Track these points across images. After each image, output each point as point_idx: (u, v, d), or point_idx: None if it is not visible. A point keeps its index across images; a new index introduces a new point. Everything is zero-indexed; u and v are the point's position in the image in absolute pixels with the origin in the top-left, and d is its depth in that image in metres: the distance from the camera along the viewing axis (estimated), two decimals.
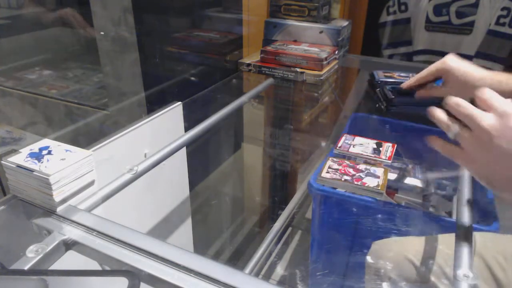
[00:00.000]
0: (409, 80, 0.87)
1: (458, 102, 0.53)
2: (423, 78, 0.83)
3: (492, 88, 0.55)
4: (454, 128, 0.54)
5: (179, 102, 0.96)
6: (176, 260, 0.46)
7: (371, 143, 0.93)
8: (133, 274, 0.43)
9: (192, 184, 1.10)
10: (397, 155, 0.89)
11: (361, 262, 0.78)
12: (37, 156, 0.57)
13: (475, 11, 1.59)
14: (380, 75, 1.20)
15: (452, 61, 0.76)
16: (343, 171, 0.85)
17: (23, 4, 0.89)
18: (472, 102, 0.54)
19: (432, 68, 0.80)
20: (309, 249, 0.95)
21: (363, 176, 0.83)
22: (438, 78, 0.80)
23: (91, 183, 0.60)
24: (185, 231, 1.13)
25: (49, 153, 0.58)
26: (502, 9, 1.55)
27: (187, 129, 0.94)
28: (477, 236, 0.70)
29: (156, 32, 0.96)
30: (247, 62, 1.22)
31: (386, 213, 0.79)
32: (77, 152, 0.58)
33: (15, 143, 0.83)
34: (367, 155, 0.89)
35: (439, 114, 0.56)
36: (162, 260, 0.46)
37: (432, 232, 0.74)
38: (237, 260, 1.52)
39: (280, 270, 1.22)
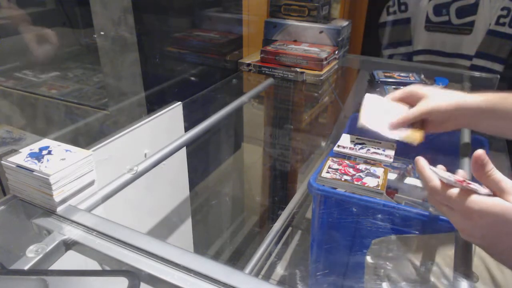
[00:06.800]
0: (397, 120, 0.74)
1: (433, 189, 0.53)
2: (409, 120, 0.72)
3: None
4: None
5: (179, 102, 0.96)
6: (176, 260, 0.46)
7: (371, 143, 0.93)
8: (133, 274, 0.43)
9: (192, 184, 1.10)
10: (397, 155, 0.89)
11: (361, 262, 0.78)
12: (37, 156, 0.57)
13: (475, 11, 1.59)
14: (380, 75, 1.20)
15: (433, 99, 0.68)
16: (343, 171, 0.85)
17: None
18: None
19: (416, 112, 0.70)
20: (309, 249, 0.95)
21: (363, 176, 0.83)
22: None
23: (91, 183, 0.60)
24: (185, 231, 1.13)
25: (49, 153, 0.58)
26: (502, 9, 1.55)
27: (187, 129, 0.94)
28: None
29: (156, 32, 0.96)
30: (247, 62, 1.22)
31: (386, 213, 0.79)
32: (77, 152, 0.58)
33: (15, 143, 0.83)
34: (367, 155, 0.89)
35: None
36: (162, 260, 0.46)
37: (432, 232, 0.74)
38: (237, 260, 1.52)
39: (280, 270, 1.22)
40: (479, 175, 0.49)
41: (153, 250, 0.47)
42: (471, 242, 0.52)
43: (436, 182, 0.52)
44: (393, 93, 0.75)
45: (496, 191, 0.48)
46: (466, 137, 0.85)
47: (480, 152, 0.48)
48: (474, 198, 0.48)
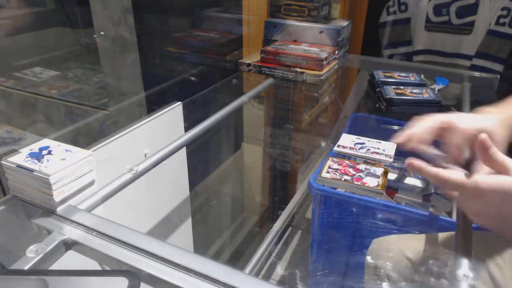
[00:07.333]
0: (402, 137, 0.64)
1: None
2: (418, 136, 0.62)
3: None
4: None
5: (179, 102, 0.96)
6: (176, 260, 0.46)
7: (371, 143, 0.93)
8: (133, 274, 0.43)
9: (192, 184, 1.10)
10: (397, 155, 0.89)
11: (361, 262, 0.78)
12: (37, 156, 0.57)
13: (475, 11, 1.59)
14: (380, 75, 1.20)
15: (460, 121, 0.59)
16: (343, 171, 0.85)
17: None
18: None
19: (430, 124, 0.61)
20: (309, 249, 0.95)
21: (363, 176, 0.83)
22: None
23: (91, 183, 0.60)
24: (185, 231, 1.13)
25: (49, 153, 0.58)
26: (502, 9, 1.55)
27: (187, 129, 0.94)
28: (476, 236, 0.70)
29: (156, 32, 0.96)
30: (247, 62, 1.22)
31: (386, 213, 0.79)
32: (77, 152, 0.58)
33: (15, 143, 0.83)
34: (367, 155, 0.89)
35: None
36: (162, 260, 0.46)
37: (432, 232, 0.74)
38: (237, 260, 1.52)
39: (280, 270, 1.22)
40: (485, 157, 0.52)
41: (153, 250, 0.47)
42: (485, 225, 0.53)
43: (443, 175, 0.53)
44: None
45: (502, 170, 0.51)
46: None
47: (483, 136, 0.52)
48: (482, 178, 0.50)
